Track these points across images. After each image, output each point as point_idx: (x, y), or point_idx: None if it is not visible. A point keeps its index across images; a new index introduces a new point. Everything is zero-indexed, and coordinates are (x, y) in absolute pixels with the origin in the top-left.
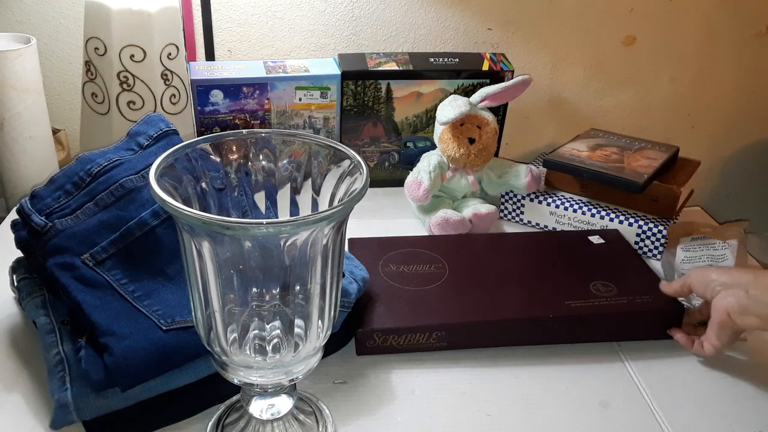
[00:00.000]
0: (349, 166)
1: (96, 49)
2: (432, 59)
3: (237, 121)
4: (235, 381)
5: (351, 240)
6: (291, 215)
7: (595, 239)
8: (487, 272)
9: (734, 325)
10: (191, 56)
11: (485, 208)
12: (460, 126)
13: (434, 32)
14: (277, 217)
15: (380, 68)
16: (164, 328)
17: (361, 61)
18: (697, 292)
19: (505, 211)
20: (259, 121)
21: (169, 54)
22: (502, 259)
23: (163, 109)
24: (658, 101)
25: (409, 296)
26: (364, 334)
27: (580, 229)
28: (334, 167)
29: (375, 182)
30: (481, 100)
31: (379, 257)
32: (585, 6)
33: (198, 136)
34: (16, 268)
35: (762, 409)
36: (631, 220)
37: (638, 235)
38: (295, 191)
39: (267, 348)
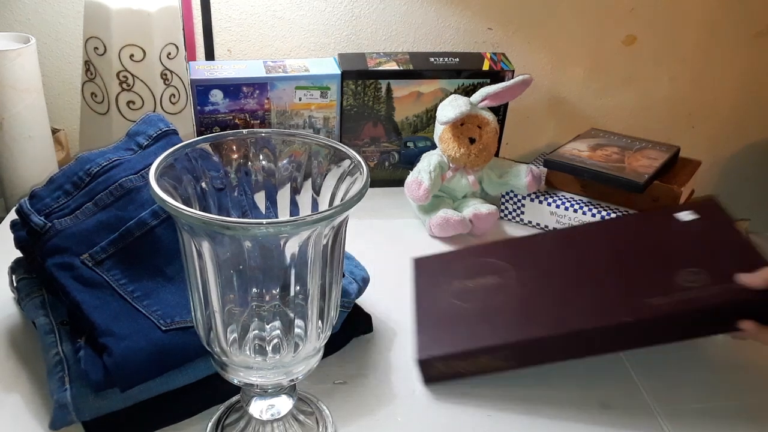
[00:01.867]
0: (349, 166)
1: (95, 48)
2: (432, 59)
3: (237, 121)
4: (235, 381)
5: (416, 260)
6: (291, 215)
7: (685, 215)
8: (558, 275)
9: None
10: (191, 56)
11: (485, 208)
12: (460, 126)
13: (434, 32)
14: (277, 217)
15: (380, 68)
16: (164, 328)
17: (361, 60)
18: None
19: (506, 211)
20: (259, 121)
21: (169, 54)
22: (575, 257)
23: (162, 109)
24: (658, 101)
25: (473, 314)
26: (424, 363)
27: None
28: (334, 167)
29: (375, 182)
30: (482, 100)
31: (443, 275)
32: (585, 6)
33: (198, 136)
34: (16, 268)
35: (762, 409)
36: None
37: None
38: (295, 191)
39: (267, 348)
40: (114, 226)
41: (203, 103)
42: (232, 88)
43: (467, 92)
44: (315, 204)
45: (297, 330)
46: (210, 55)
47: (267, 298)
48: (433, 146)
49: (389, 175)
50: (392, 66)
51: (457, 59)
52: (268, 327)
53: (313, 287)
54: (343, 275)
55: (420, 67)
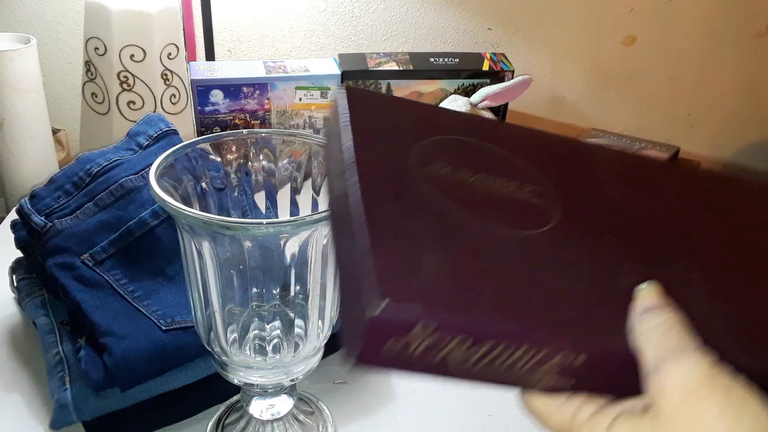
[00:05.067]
0: None
1: (96, 49)
2: (432, 59)
3: (237, 121)
4: (235, 381)
5: (351, 91)
6: (291, 215)
7: None
8: (643, 228)
9: None
10: (191, 56)
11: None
12: None
13: (434, 32)
14: (277, 217)
15: (380, 68)
16: (164, 328)
17: (361, 61)
18: None
19: None
20: (259, 121)
21: (169, 54)
22: (656, 203)
23: (163, 109)
24: (658, 101)
25: (484, 240)
26: (376, 326)
27: None
28: None
29: None
30: (482, 100)
31: (412, 138)
32: (585, 6)
33: (198, 136)
34: (16, 268)
35: None
36: None
37: None
38: (295, 191)
39: (267, 348)
40: (114, 226)
41: (203, 104)
42: (233, 89)
43: (467, 92)
44: (315, 204)
45: (297, 330)
46: (210, 55)
47: (267, 297)
48: None
49: None
50: (392, 66)
51: (457, 59)
52: (268, 327)
53: (313, 287)
54: None
55: (420, 68)
